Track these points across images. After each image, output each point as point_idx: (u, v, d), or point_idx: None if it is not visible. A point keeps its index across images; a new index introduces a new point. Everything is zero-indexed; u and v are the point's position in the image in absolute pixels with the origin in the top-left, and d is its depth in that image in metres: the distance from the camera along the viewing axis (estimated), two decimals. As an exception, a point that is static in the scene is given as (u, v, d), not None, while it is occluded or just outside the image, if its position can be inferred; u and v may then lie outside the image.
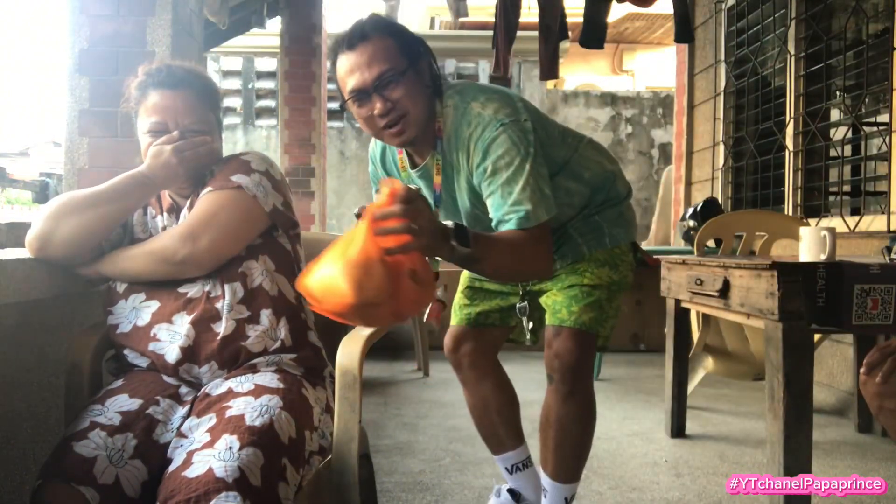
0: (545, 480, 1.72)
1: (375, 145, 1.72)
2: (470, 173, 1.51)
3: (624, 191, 1.74)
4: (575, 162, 1.66)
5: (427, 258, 1.22)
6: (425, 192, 1.62)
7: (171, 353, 1.32)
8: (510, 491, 1.92)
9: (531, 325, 1.79)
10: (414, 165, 1.62)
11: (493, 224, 1.49)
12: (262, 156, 1.47)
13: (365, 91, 1.44)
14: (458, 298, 1.89)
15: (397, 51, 1.44)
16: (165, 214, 1.47)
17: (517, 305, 1.77)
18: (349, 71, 1.44)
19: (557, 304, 1.66)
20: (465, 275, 1.89)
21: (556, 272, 1.68)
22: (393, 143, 1.55)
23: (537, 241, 1.45)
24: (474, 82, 1.61)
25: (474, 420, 1.94)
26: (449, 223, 1.29)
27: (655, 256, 2.84)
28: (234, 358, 1.34)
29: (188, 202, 1.45)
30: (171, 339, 1.33)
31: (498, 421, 1.89)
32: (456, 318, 1.88)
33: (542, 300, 1.73)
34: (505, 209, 1.45)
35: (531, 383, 3.08)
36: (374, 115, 1.45)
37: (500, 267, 1.46)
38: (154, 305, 1.36)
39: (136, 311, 1.36)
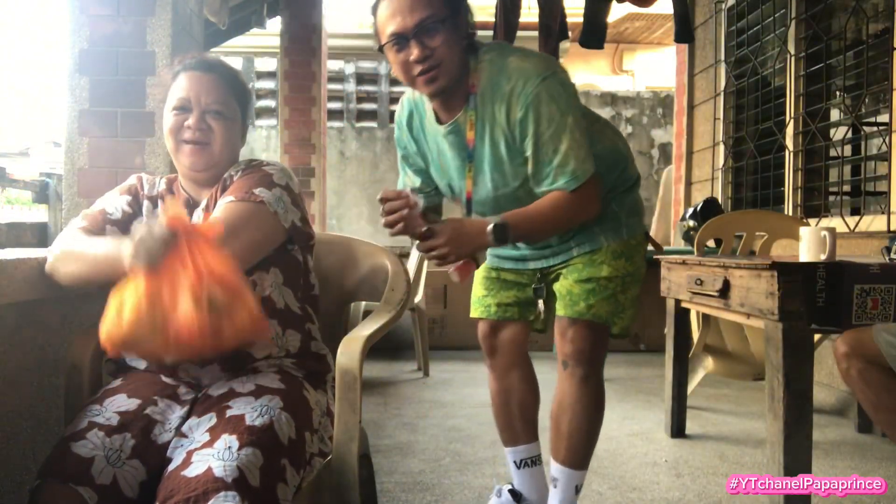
0: (556, 469, 1.76)
1: (403, 110, 1.75)
2: (508, 127, 1.55)
3: (635, 175, 1.78)
4: (590, 133, 1.67)
5: (241, 279, 1.21)
6: (451, 150, 1.64)
7: (172, 353, 1.32)
8: (511, 491, 1.92)
9: (542, 308, 1.82)
10: (440, 124, 1.64)
11: (534, 181, 1.57)
12: (282, 168, 1.47)
13: (404, 36, 1.48)
14: (477, 289, 1.90)
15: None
16: None
17: (533, 287, 1.79)
18: (390, 15, 1.48)
19: (574, 296, 1.69)
20: (484, 267, 1.90)
21: (572, 259, 1.72)
22: (425, 91, 1.58)
23: (584, 198, 1.56)
24: (506, 43, 1.68)
25: (494, 408, 1.95)
26: (488, 227, 1.48)
27: (656, 257, 2.84)
28: (238, 363, 1.33)
29: (205, 201, 1.45)
30: None
31: (517, 413, 1.91)
32: (476, 311, 1.89)
33: (557, 288, 1.74)
34: (552, 170, 1.53)
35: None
36: (411, 62, 1.49)
37: (547, 234, 1.64)
38: None
39: None
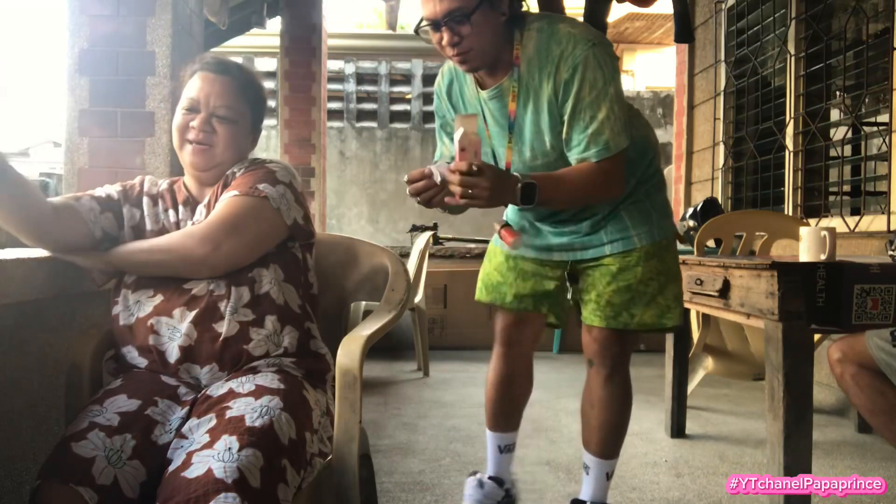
0: (588, 458, 1.84)
1: (442, 78, 1.78)
2: (554, 90, 1.57)
3: (660, 169, 1.82)
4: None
5: None
6: (492, 118, 1.67)
7: (172, 352, 1.32)
8: (492, 478, 1.96)
9: (570, 294, 1.83)
10: (484, 88, 1.67)
11: (566, 146, 1.60)
12: (285, 166, 1.49)
13: (435, 22, 1.52)
14: (491, 274, 1.88)
15: None
16: (181, 207, 1.48)
17: (567, 272, 1.80)
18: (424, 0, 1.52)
19: (615, 307, 1.71)
20: (501, 253, 1.88)
21: (604, 258, 1.72)
22: (461, 69, 1.64)
23: (609, 172, 1.57)
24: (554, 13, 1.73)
25: (492, 392, 1.96)
26: (518, 185, 1.47)
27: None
28: (236, 360, 1.33)
29: (207, 199, 1.46)
30: (171, 335, 1.33)
31: (514, 402, 1.96)
32: (488, 295, 1.89)
33: (590, 291, 1.74)
34: (585, 136, 1.55)
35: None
36: (443, 45, 1.54)
37: (567, 203, 1.65)
38: (158, 299, 1.36)
39: (140, 304, 1.36)
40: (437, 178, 1.50)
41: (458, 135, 1.45)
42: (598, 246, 1.73)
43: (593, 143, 1.55)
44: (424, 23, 1.54)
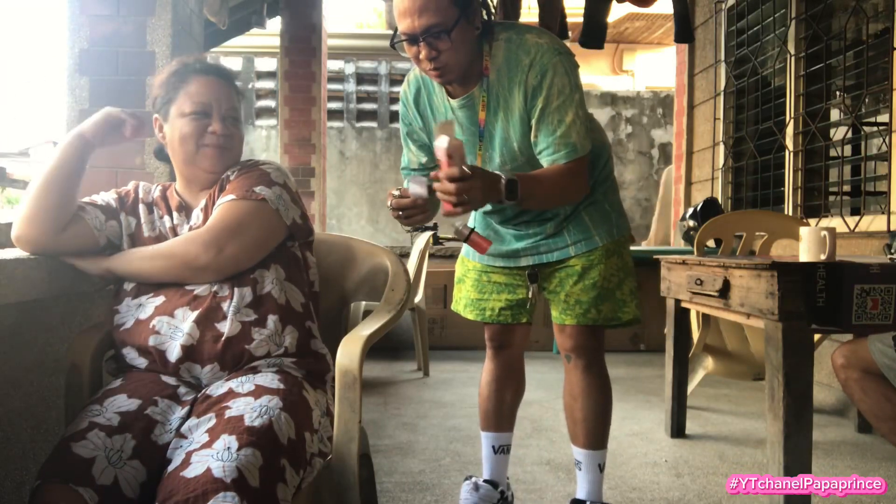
0: (578, 453, 1.85)
1: (409, 87, 1.79)
2: (523, 98, 1.61)
3: (612, 168, 1.87)
4: None
5: None
6: (462, 126, 1.70)
7: (173, 351, 1.32)
8: (487, 482, 1.97)
9: (532, 294, 1.85)
10: (453, 98, 1.70)
11: (538, 150, 1.63)
12: (278, 167, 1.50)
13: (413, 36, 1.53)
14: (469, 291, 1.93)
15: (449, 1, 1.51)
16: (175, 213, 1.48)
17: (528, 273, 1.83)
18: (401, 14, 1.53)
19: (583, 304, 1.76)
20: (471, 267, 1.93)
21: (570, 259, 1.77)
22: (436, 82, 1.67)
23: (577, 174, 1.63)
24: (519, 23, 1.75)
25: (485, 392, 2.00)
26: (502, 181, 1.48)
27: (655, 257, 2.85)
28: (237, 360, 1.34)
29: (202, 202, 1.46)
30: (172, 334, 1.33)
31: (508, 402, 2.00)
32: (472, 313, 1.93)
33: (558, 292, 1.78)
34: (554, 139, 1.60)
35: (531, 383, 3.07)
36: (421, 59, 1.56)
37: (543, 202, 1.66)
38: (160, 300, 1.36)
39: (142, 307, 1.37)
40: (421, 192, 1.51)
41: (441, 142, 1.43)
42: (562, 248, 1.78)
43: (562, 145, 1.60)
44: (401, 37, 1.55)
